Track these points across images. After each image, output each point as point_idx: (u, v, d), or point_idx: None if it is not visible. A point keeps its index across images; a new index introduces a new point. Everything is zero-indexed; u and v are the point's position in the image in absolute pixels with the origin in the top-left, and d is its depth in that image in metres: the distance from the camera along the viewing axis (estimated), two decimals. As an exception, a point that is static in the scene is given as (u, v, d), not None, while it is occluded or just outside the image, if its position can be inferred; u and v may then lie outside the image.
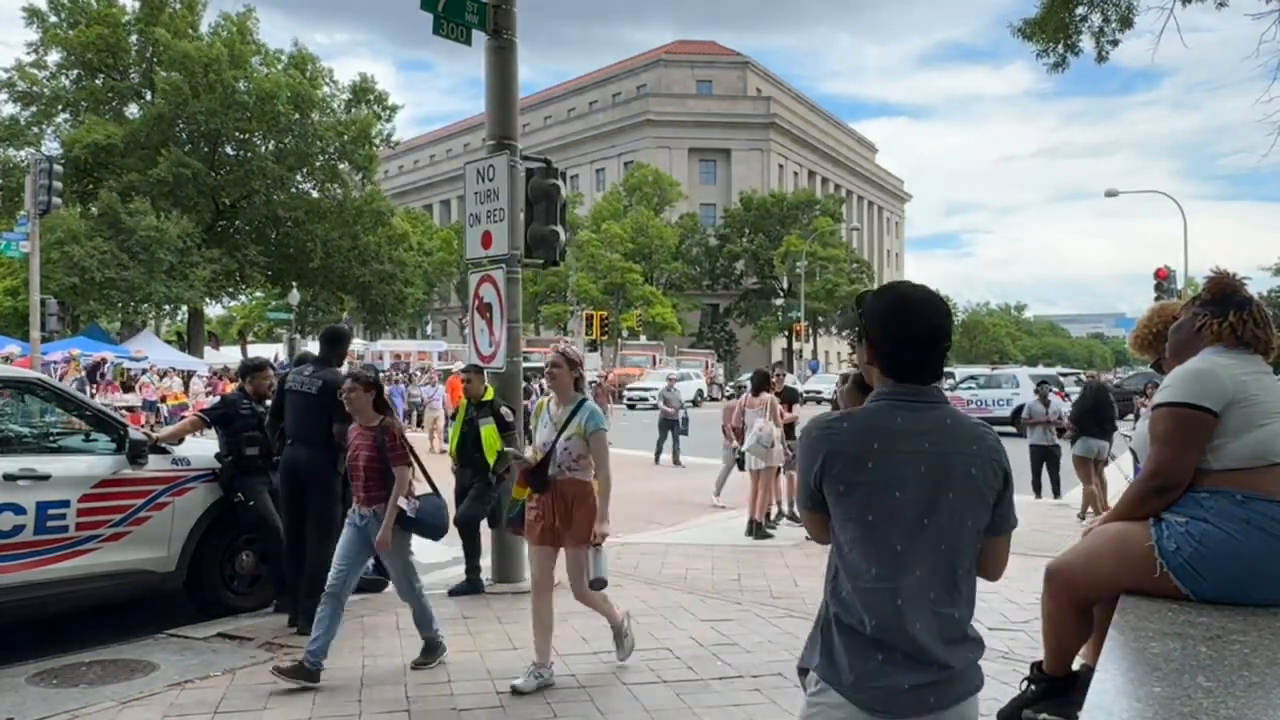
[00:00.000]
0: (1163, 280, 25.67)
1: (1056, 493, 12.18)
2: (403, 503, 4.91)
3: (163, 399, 23.53)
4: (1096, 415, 10.68)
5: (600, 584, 4.84)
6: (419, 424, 23.84)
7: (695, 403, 34.78)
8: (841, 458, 1.96)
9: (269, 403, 6.40)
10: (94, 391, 21.83)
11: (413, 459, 4.97)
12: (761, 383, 10.03)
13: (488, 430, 6.88)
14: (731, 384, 39.85)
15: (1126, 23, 10.46)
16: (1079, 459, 10.69)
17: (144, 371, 26.04)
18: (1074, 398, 13.02)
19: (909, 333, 2.00)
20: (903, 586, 1.93)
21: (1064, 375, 29.03)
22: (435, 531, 5.20)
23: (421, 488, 5.17)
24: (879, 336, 2.03)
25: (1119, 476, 13.03)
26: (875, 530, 1.95)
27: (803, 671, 2.18)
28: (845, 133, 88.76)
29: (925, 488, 1.94)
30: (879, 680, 1.92)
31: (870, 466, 1.94)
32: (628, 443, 20.03)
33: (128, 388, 24.21)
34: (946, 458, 1.95)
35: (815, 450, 2.00)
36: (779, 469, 10.06)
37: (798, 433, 11.75)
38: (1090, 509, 10.71)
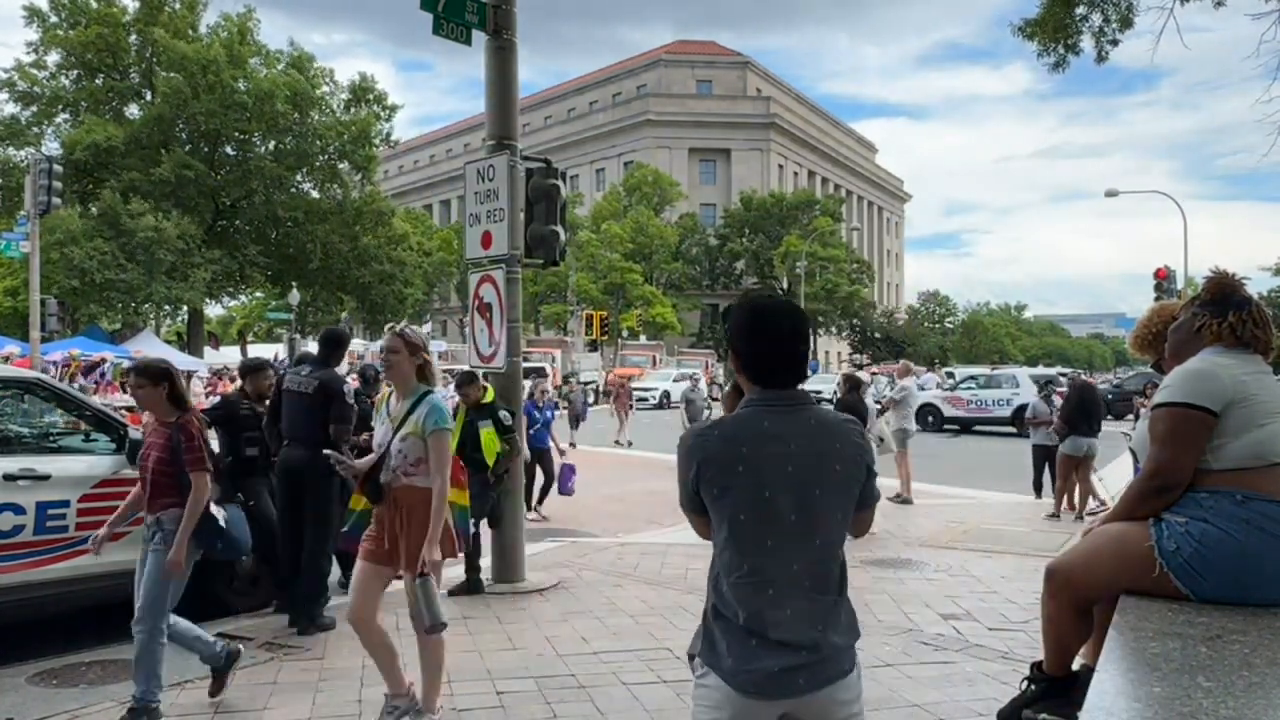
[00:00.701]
0: (1163, 280, 25.65)
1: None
2: (215, 510, 4.33)
3: None
4: (1084, 414, 10.79)
5: (435, 627, 3.95)
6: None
7: (695, 403, 34.74)
8: (714, 463, 2.09)
9: (269, 403, 6.40)
10: (93, 389, 21.80)
11: (211, 463, 4.28)
12: None
13: (487, 433, 6.89)
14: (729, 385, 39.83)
15: (1126, 23, 10.45)
16: (1066, 457, 10.84)
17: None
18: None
19: (767, 340, 2.13)
20: (776, 579, 2.07)
21: (1063, 375, 29.03)
22: (236, 549, 4.55)
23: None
24: (742, 346, 2.16)
25: (1119, 478, 13.06)
26: (748, 529, 2.07)
27: (691, 658, 2.32)
28: (845, 132, 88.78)
29: (795, 485, 2.07)
30: (752, 664, 2.06)
31: (741, 470, 2.06)
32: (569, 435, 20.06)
33: (127, 387, 24.20)
34: (814, 456, 2.09)
35: (690, 458, 2.14)
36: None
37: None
38: (1067, 504, 10.85)
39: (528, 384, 9.89)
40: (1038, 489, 12.02)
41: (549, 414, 11.67)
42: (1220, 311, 2.71)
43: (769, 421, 2.10)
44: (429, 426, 3.96)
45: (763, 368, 2.15)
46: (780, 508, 2.06)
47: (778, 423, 2.10)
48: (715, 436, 2.12)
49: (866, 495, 2.20)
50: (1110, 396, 30.70)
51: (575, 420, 20.47)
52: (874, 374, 35.03)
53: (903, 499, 11.65)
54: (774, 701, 2.08)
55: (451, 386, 8.86)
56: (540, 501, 11.14)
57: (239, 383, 7.16)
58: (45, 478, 5.40)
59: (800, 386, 2.18)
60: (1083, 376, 13.08)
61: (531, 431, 10.45)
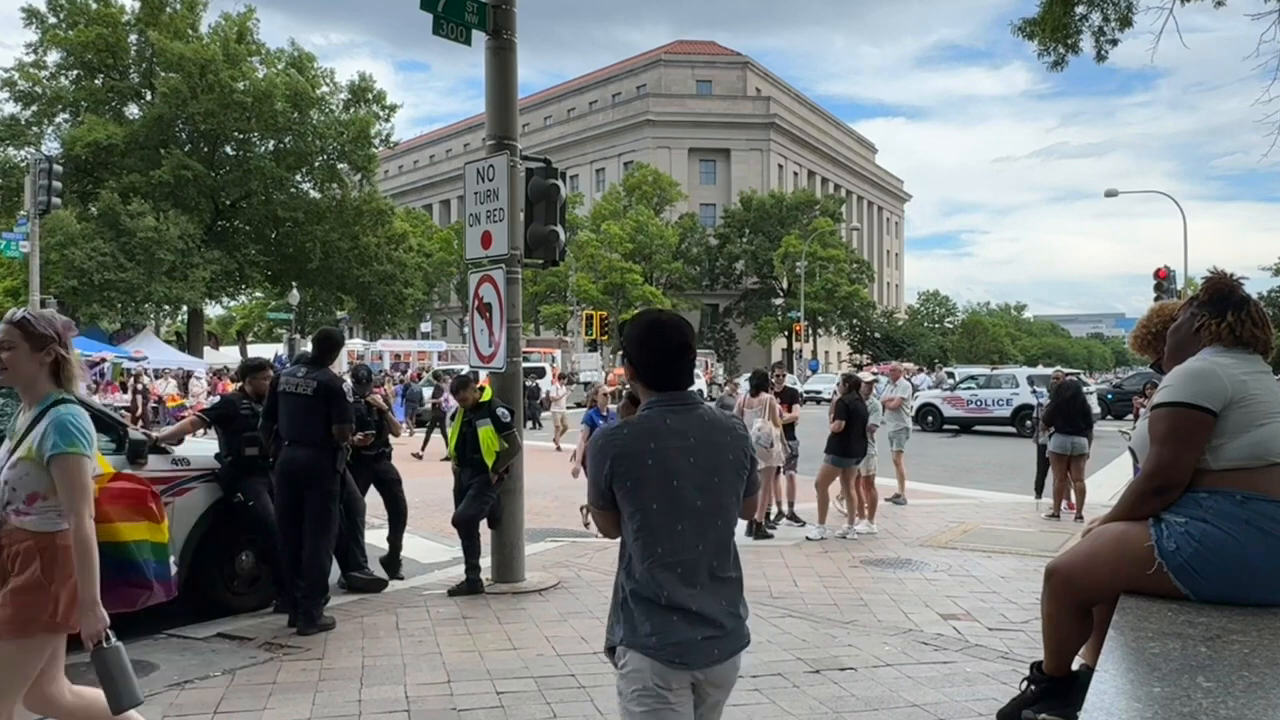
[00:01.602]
0: (1163, 280, 25.67)
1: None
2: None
3: (158, 400, 23.35)
4: (1065, 413, 10.88)
5: (121, 708, 3.08)
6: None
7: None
8: (626, 459, 2.34)
9: (264, 404, 6.40)
10: (93, 389, 21.81)
11: None
12: (760, 383, 10.04)
13: (485, 431, 6.89)
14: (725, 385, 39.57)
15: (1126, 22, 10.46)
16: (1055, 455, 10.93)
17: (135, 375, 25.87)
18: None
19: (659, 350, 2.40)
20: (688, 559, 2.34)
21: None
22: None
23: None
24: (637, 356, 2.44)
25: (1119, 478, 13.07)
26: (661, 515, 2.33)
27: (610, 650, 2.49)
28: (845, 132, 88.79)
29: (697, 474, 2.35)
30: (675, 637, 2.30)
31: (650, 463, 2.33)
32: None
33: (126, 387, 24.22)
34: (710, 448, 2.38)
35: (603, 456, 2.37)
36: (778, 469, 10.06)
37: (797, 433, 11.65)
38: (1066, 504, 10.89)
39: (581, 387, 9.56)
40: (1038, 489, 12.04)
41: (613, 420, 11.16)
42: (1218, 312, 2.71)
43: (670, 420, 2.37)
44: (47, 450, 2.89)
45: (657, 374, 2.42)
46: (687, 495, 2.33)
47: (677, 421, 2.38)
48: (625, 435, 2.37)
49: (752, 482, 2.51)
50: (1110, 396, 30.72)
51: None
52: (874, 374, 35.04)
53: (899, 499, 11.67)
54: (692, 670, 2.33)
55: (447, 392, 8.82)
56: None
57: (239, 383, 7.16)
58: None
59: (687, 388, 2.47)
60: (1068, 376, 13.10)
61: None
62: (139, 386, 23.74)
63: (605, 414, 9.99)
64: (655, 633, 2.31)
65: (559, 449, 18.76)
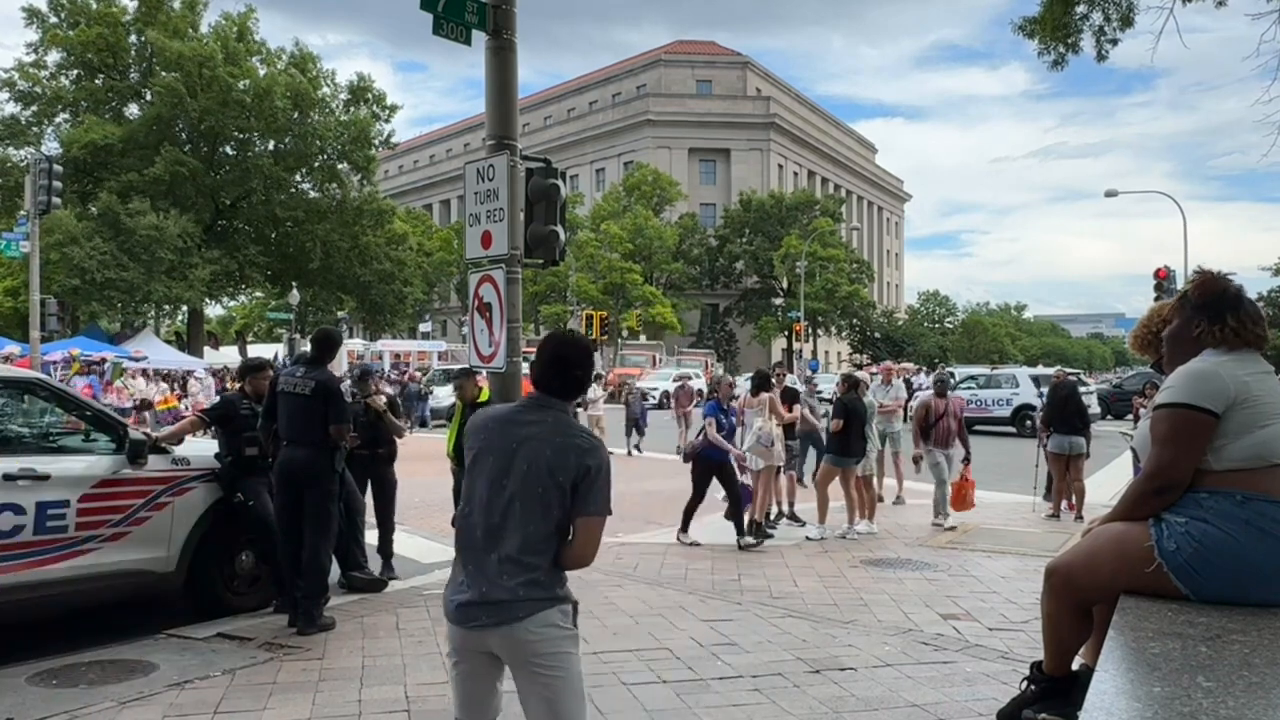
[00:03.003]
0: (1163, 280, 25.67)
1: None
2: None
3: (145, 405, 22.63)
4: (1061, 413, 10.90)
5: None
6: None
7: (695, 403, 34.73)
8: (473, 431, 2.81)
9: (263, 403, 6.40)
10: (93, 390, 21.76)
11: None
12: (761, 383, 10.04)
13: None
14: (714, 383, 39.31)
15: (1127, 22, 10.45)
16: (1054, 455, 10.98)
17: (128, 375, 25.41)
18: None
19: (541, 362, 2.81)
20: (481, 525, 2.67)
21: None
22: None
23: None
24: (534, 363, 2.84)
25: (1119, 477, 13.06)
26: (475, 482, 2.73)
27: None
28: (845, 132, 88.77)
29: (508, 458, 2.68)
30: (453, 595, 2.69)
31: (483, 438, 2.77)
32: (624, 443, 20.04)
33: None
34: (532, 440, 2.68)
35: (469, 427, 2.86)
36: (779, 469, 10.06)
37: (798, 432, 11.63)
38: (1066, 504, 10.92)
39: (695, 380, 8.77)
40: (1048, 491, 12.03)
41: (733, 418, 9.53)
42: (1217, 317, 2.69)
43: (521, 413, 2.79)
44: None
45: (538, 378, 2.81)
46: (496, 471, 2.68)
47: (525, 414, 2.77)
48: (483, 415, 2.87)
49: (583, 496, 2.66)
50: (1110, 396, 30.70)
51: (632, 427, 19.01)
52: (872, 374, 34.97)
53: (899, 499, 11.73)
54: (460, 627, 2.66)
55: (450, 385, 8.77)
56: (742, 530, 8.93)
57: (239, 383, 7.15)
58: (45, 478, 5.39)
59: (561, 397, 2.80)
60: (1068, 375, 13.11)
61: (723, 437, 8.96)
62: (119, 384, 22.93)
63: (727, 407, 9.34)
64: (449, 586, 2.74)
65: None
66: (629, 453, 18.31)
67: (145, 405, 21.98)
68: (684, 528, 9.20)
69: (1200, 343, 2.71)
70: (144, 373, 25.98)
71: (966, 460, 10.77)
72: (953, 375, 35.11)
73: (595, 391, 20.25)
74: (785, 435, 10.45)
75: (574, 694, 2.65)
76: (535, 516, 2.63)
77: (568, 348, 2.83)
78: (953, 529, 10.00)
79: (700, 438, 9.16)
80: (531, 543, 2.62)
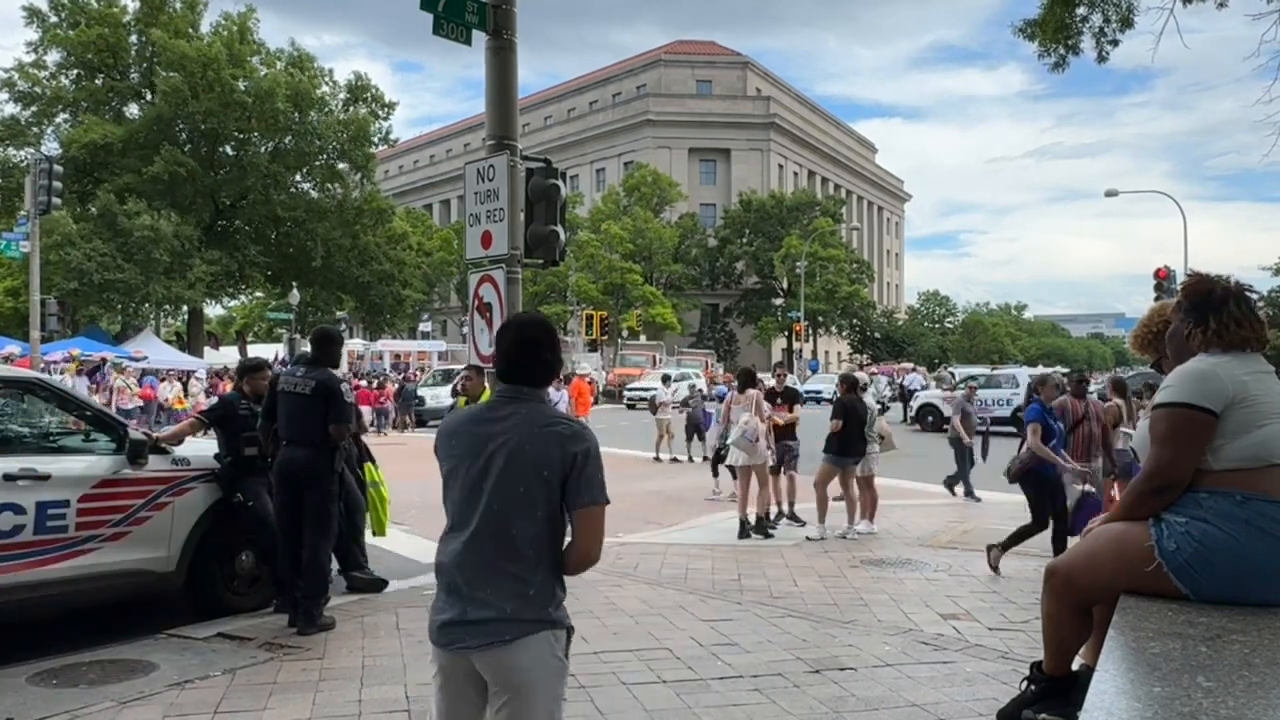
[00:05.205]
0: (1163, 280, 25.68)
1: None
2: None
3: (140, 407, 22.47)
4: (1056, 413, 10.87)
5: None
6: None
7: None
8: (443, 437, 2.56)
9: (263, 403, 6.40)
10: (93, 389, 21.74)
11: None
12: (747, 380, 10.10)
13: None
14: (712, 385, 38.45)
15: (1127, 23, 10.46)
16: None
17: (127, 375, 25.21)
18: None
19: (504, 348, 2.54)
20: (462, 537, 2.42)
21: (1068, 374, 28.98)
22: None
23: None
24: (497, 353, 2.59)
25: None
26: (452, 491, 2.48)
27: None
28: (845, 132, 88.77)
29: (482, 460, 2.41)
30: (434, 614, 2.45)
31: (452, 447, 2.50)
32: (625, 443, 20.06)
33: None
34: (506, 436, 2.41)
35: (436, 439, 2.59)
36: (773, 467, 10.07)
37: (798, 433, 11.61)
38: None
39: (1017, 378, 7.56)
40: None
41: (1060, 425, 7.99)
42: (1201, 318, 2.70)
43: (491, 409, 2.52)
44: None
45: (504, 370, 2.54)
46: (472, 477, 2.42)
47: (496, 410, 2.50)
48: (450, 418, 2.67)
49: (576, 487, 2.41)
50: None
51: (693, 431, 17.50)
52: (872, 374, 34.96)
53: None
54: (444, 649, 2.41)
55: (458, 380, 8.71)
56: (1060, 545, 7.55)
57: (237, 383, 7.14)
58: (45, 478, 5.39)
59: (532, 385, 2.53)
60: (1063, 375, 13.09)
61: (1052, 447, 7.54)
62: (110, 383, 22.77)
63: (1054, 415, 7.85)
64: (433, 605, 2.48)
65: (659, 459, 17.64)
66: (689, 459, 17.27)
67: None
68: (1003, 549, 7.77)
69: (1192, 345, 2.72)
70: (157, 373, 25.93)
71: (1111, 475, 8.70)
72: (953, 375, 35.23)
73: (665, 394, 18.96)
74: (786, 435, 10.46)
75: None
76: (520, 518, 2.38)
77: (533, 329, 2.54)
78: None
79: (1025, 451, 7.64)
80: (518, 547, 2.37)
